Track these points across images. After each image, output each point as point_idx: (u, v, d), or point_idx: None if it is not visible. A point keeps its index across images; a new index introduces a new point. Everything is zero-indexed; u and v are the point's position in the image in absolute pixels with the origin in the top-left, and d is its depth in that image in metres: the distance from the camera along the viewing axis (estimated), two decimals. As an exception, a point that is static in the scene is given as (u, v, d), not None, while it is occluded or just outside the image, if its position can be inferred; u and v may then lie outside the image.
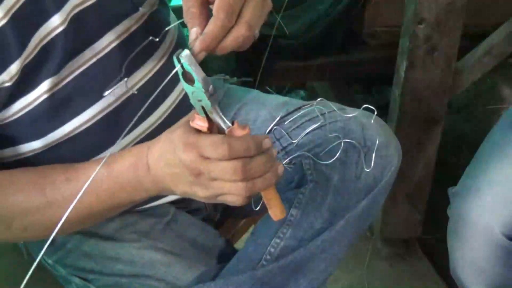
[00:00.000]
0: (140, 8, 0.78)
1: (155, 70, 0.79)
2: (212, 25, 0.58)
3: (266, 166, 0.61)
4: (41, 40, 0.69)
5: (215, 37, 0.59)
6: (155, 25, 0.80)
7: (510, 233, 0.91)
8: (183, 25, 0.65)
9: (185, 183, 0.64)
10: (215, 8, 0.58)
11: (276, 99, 0.98)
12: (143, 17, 0.78)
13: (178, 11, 0.94)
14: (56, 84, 0.71)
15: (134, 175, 0.67)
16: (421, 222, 1.51)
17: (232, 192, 0.61)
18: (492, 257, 0.94)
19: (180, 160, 0.61)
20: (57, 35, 0.70)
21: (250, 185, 0.61)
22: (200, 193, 0.64)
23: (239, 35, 0.60)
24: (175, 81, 0.62)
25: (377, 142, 0.85)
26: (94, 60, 0.74)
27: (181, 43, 0.87)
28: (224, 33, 0.59)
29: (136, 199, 0.70)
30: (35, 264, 0.56)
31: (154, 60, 0.79)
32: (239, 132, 0.61)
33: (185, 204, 0.91)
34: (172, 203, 0.89)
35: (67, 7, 0.70)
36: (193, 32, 0.60)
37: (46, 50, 0.69)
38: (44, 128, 0.74)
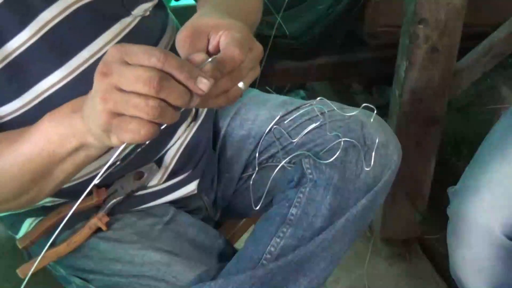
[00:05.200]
0: (132, 13, 0.78)
1: None
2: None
3: (184, 95, 0.53)
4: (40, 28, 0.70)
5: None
6: (147, 29, 0.81)
7: (509, 233, 0.91)
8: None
9: (93, 93, 0.54)
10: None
11: (276, 98, 0.98)
12: (135, 21, 0.79)
13: (178, 11, 0.95)
14: (53, 85, 0.72)
15: (66, 110, 0.62)
16: (421, 222, 1.51)
17: (137, 110, 0.51)
18: (492, 257, 0.94)
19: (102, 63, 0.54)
20: (52, 27, 0.71)
21: (162, 107, 0.52)
22: (99, 106, 0.53)
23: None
24: None
25: (377, 141, 0.85)
26: (91, 61, 0.74)
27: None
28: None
29: (66, 141, 0.61)
30: (36, 264, 0.56)
31: None
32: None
33: (184, 204, 0.91)
34: (172, 203, 0.89)
35: (60, 3, 0.71)
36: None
37: (45, 41, 0.71)
38: None
